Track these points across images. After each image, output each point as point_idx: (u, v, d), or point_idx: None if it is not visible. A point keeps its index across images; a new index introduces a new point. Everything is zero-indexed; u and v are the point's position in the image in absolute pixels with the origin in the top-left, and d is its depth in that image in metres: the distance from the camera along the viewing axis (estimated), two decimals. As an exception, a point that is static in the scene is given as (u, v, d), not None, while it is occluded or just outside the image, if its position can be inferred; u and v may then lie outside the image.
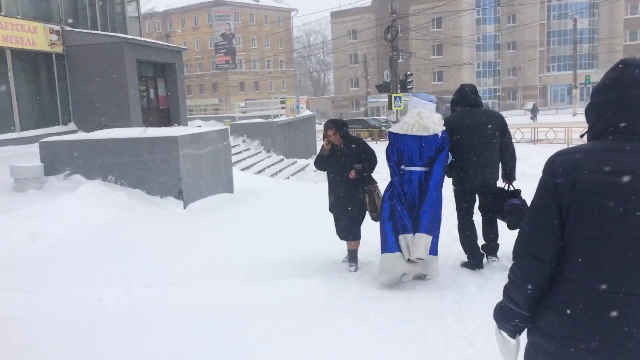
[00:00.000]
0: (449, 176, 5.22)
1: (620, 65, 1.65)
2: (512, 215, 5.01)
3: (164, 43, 22.63)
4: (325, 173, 5.76)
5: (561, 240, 1.66)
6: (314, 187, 12.69)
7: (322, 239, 6.33)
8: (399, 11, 30.33)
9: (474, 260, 5.27)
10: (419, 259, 4.70)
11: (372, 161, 5.51)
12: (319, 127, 46.64)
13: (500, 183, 5.33)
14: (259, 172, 15.35)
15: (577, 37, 46.33)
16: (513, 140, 5.47)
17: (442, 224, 5.03)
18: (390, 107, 27.46)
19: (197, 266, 5.74)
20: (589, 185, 1.57)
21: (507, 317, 1.81)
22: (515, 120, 37.96)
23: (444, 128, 4.87)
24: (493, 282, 4.90)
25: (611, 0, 54.63)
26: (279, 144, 18.82)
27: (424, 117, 4.78)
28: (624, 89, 1.61)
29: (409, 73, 29.24)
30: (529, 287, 1.71)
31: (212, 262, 5.87)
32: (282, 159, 18.04)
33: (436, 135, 4.78)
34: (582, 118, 2.33)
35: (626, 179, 1.54)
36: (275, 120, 19.06)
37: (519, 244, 1.76)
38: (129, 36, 19.71)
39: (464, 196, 5.25)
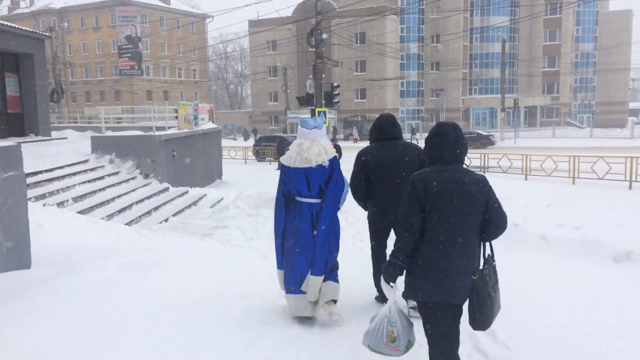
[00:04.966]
0: (365, 209, 5.08)
1: (439, 125, 3.22)
2: None
3: (13, 25, 16.84)
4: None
5: (422, 220, 3.07)
6: (198, 245, 7.80)
7: None
8: (322, 17, 26.12)
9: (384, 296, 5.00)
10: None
11: None
12: (232, 143, 41.64)
13: None
14: (121, 210, 10.20)
15: (505, 59, 44.72)
16: None
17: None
18: (313, 123, 22.89)
19: None
20: (434, 189, 3.04)
21: (393, 268, 3.15)
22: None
23: (331, 156, 4.56)
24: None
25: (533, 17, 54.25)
26: (164, 166, 13.70)
27: (304, 149, 4.49)
28: (442, 137, 3.13)
29: (335, 84, 24.91)
30: (407, 248, 3.10)
31: None
32: (167, 188, 12.93)
33: (320, 165, 4.47)
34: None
35: (449, 184, 3.05)
36: (157, 133, 13.84)
37: (399, 225, 3.13)
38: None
39: (377, 233, 5.01)
